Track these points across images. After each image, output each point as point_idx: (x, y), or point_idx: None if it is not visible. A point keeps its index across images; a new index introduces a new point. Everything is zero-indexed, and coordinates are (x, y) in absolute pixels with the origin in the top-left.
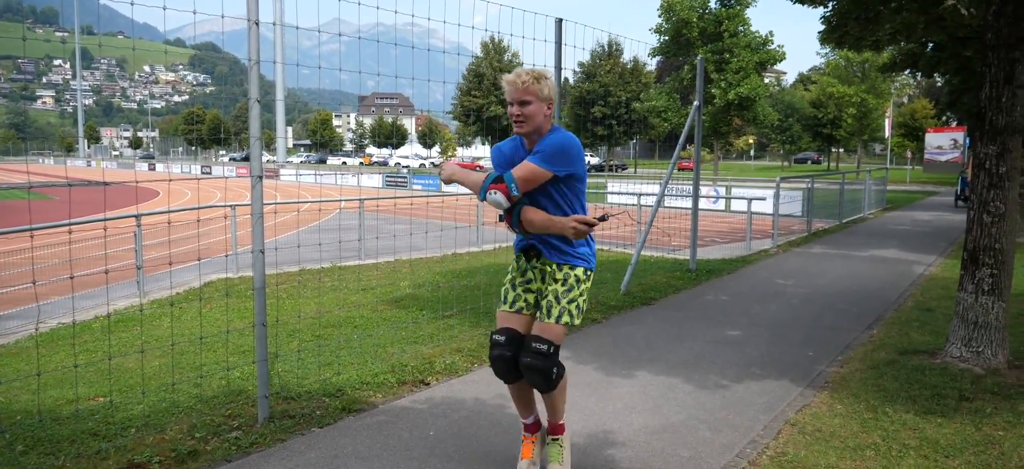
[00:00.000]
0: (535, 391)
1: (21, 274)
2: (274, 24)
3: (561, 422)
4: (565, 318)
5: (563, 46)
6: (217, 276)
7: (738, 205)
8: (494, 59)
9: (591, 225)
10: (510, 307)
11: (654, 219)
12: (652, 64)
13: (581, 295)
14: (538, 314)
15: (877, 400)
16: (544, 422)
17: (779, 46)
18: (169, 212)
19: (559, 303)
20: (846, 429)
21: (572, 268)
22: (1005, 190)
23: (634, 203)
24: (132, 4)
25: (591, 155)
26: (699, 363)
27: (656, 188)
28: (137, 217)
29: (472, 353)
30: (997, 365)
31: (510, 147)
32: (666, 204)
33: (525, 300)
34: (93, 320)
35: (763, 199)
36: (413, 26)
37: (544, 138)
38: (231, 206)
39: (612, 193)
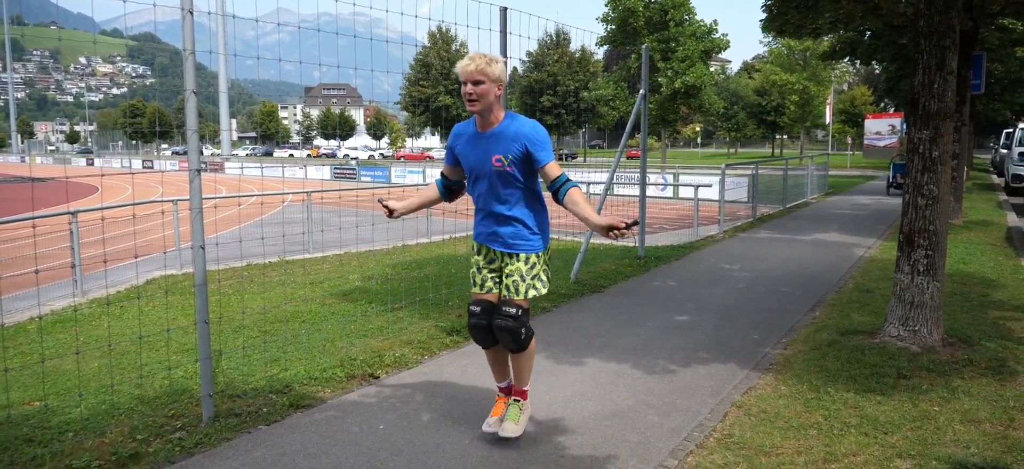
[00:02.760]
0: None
1: None
2: (209, 13)
3: (525, 388)
4: (531, 292)
5: (509, 35)
6: (159, 273)
7: (685, 192)
8: (441, 49)
9: (627, 230)
10: (481, 289)
11: (603, 207)
12: (599, 53)
13: (543, 270)
14: (505, 293)
15: (820, 380)
16: None
17: (724, 35)
18: (104, 208)
19: (524, 280)
20: (790, 409)
21: (528, 252)
22: (938, 173)
23: (584, 192)
24: None
25: None
26: (648, 349)
27: (605, 176)
28: (74, 214)
29: (422, 345)
30: (932, 343)
31: (463, 128)
32: (615, 192)
33: (494, 279)
34: (28, 321)
35: (709, 186)
36: (358, 16)
37: (514, 126)
38: (172, 201)
39: None
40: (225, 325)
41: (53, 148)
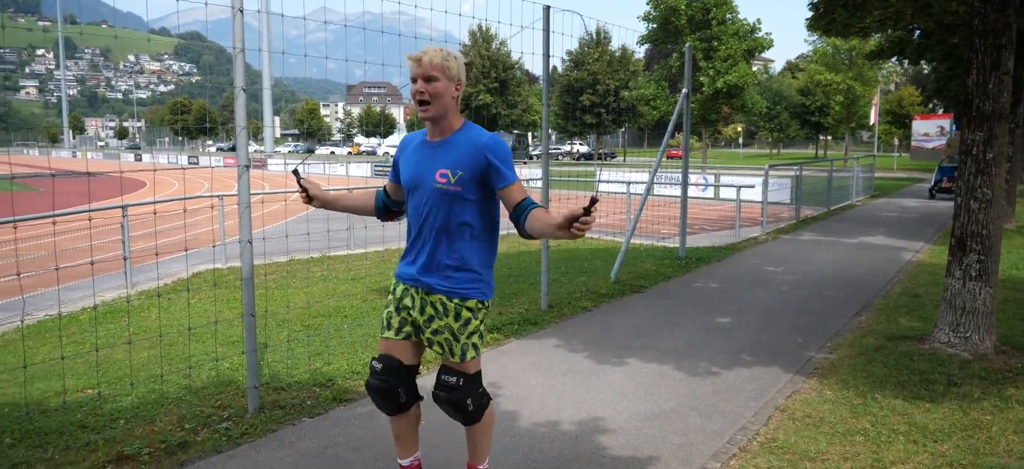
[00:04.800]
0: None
1: (5, 266)
2: (259, 12)
3: (482, 467)
4: (469, 353)
5: (551, 33)
6: (205, 267)
7: (727, 193)
8: (482, 48)
9: (587, 216)
10: (396, 334)
11: (644, 207)
12: (640, 52)
13: (479, 323)
14: (442, 355)
15: (866, 386)
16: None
17: (767, 34)
18: (156, 203)
19: (458, 341)
20: (835, 415)
21: (462, 301)
22: (992, 176)
23: (623, 192)
24: None
25: (581, 143)
26: (689, 350)
27: (645, 176)
28: (124, 208)
29: None
30: (984, 350)
31: (412, 137)
32: (655, 192)
33: (412, 328)
34: (80, 312)
35: (752, 187)
36: (401, 14)
37: (472, 136)
38: (218, 196)
39: (602, 181)
40: (270, 319)
41: (103, 144)
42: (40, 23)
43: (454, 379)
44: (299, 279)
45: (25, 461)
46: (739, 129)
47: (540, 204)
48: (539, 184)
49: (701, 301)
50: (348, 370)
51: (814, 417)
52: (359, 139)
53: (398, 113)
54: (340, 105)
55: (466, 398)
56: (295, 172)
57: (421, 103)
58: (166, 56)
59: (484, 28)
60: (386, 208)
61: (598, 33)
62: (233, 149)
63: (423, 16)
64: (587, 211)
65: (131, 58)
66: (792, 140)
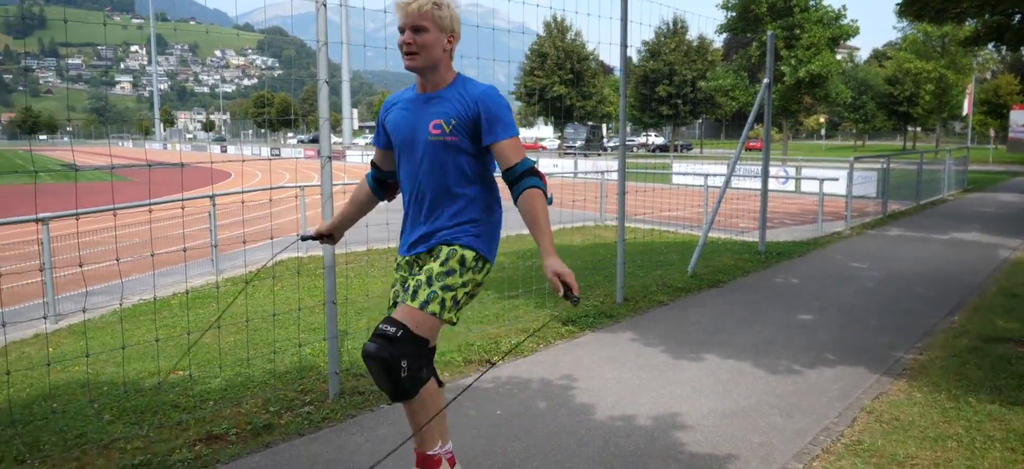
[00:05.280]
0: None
1: (104, 252)
2: (341, 5)
3: (432, 453)
4: (433, 306)
5: (629, 23)
6: (288, 255)
7: (809, 186)
8: (557, 38)
9: (570, 290)
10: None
11: (722, 200)
12: (719, 41)
13: (463, 284)
14: (402, 296)
15: (959, 389)
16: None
17: (853, 21)
18: (242, 193)
19: (430, 286)
20: (926, 419)
21: (461, 247)
22: None
23: (701, 184)
24: None
25: (656, 135)
26: (770, 347)
27: (723, 169)
28: (212, 198)
29: (537, 334)
30: None
31: (398, 96)
32: (734, 185)
33: None
34: (172, 297)
35: (835, 180)
36: (476, 6)
37: (466, 88)
38: (301, 186)
39: (677, 174)
40: (350, 306)
41: (191, 136)
42: (134, 21)
43: (393, 330)
44: (377, 268)
45: (123, 437)
46: (822, 120)
47: (540, 181)
48: (614, 176)
49: (782, 297)
50: None
51: (903, 420)
52: None
53: None
54: None
55: (400, 359)
56: (301, 238)
57: (409, 54)
58: (250, 51)
59: (559, 19)
60: (380, 183)
61: (675, 22)
62: (314, 141)
63: (498, 7)
64: (567, 294)
65: (217, 53)
66: (878, 131)
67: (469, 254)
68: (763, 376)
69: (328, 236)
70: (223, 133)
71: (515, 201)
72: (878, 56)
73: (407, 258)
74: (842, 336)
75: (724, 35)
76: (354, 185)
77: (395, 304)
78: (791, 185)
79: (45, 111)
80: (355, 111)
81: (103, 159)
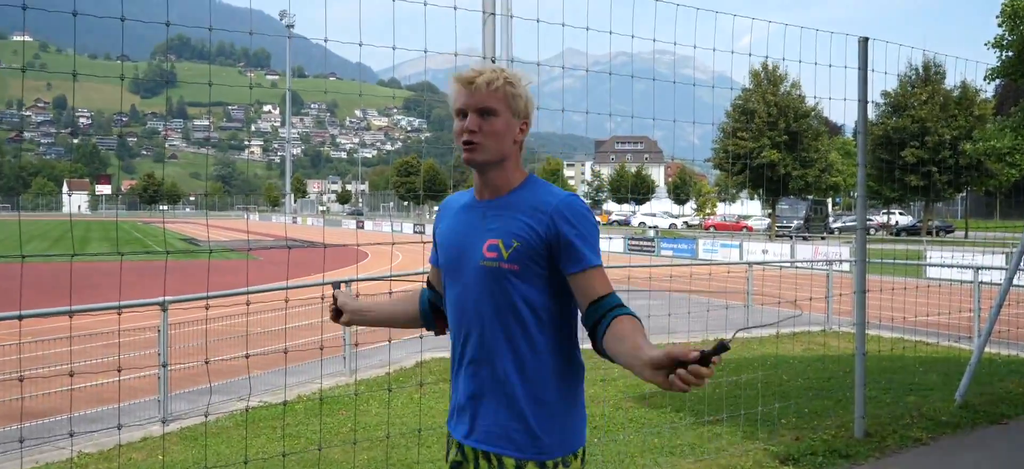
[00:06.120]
0: None
1: (220, 344)
2: (510, 61)
3: None
4: None
5: (871, 72)
6: (433, 355)
7: None
8: (767, 91)
9: (706, 367)
10: None
11: (1003, 303)
12: (989, 90)
13: None
14: None
15: None
16: None
17: None
18: (391, 278)
19: None
20: None
21: (526, 462)
22: None
23: (969, 280)
24: (360, 46)
25: (901, 213)
26: None
27: (1001, 260)
28: (347, 283)
29: None
30: None
31: (456, 199)
32: (1018, 282)
33: None
34: (296, 400)
35: None
36: (661, 54)
37: (538, 195)
38: None
39: (934, 265)
40: None
41: (324, 208)
42: (268, 77)
43: None
44: None
45: None
46: None
47: (630, 310)
48: (847, 266)
49: None
50: None
51: None
52: (609, 205)
53: (658, 174)
54: (587, 165)
55: None
56: (334, 286)
57: (468, 145)
58: (394, 110)
59: (770, 68)
60: (435, 309)
61: (926, 67)
62: None
63: (687, 54)
64: (706, 358)
65: (358, 113)
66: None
67: (550, 465)
68: None
69: (338, 310)
70: (361, 205)
71: (598, 342)
72: None
73: (457, 445)
74: None
75: (997, 82)
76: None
77: None
78: None
79: (168, 178)
80: None
81: (227, 234)
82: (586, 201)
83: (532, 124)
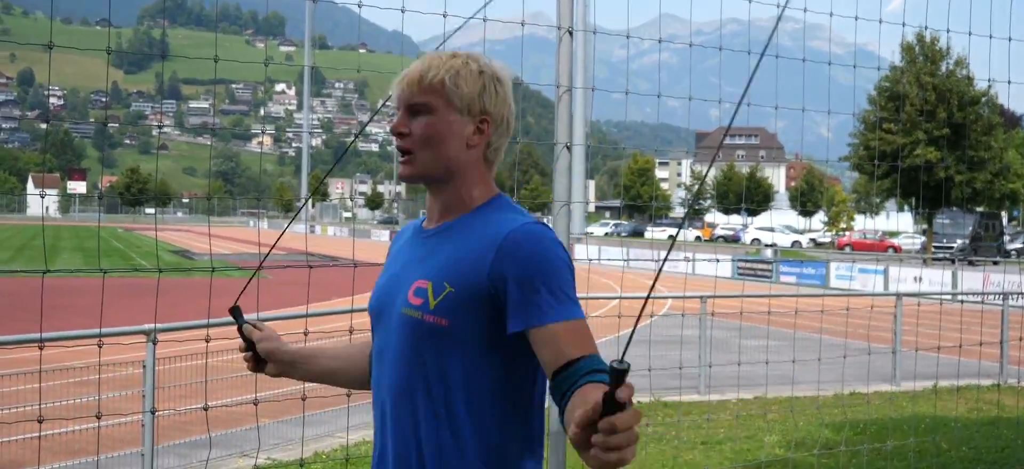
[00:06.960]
0: None
1: (216, 385)
2: (592, 31)
3: None
4: None
5: None
6: None
7: None
8: (922, 70)
9: (611, 413)
10: None
11: None
12: None
13: None
14: None
15: None
16: None
17: None
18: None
19: None
20: None
21: None
22: None
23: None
24: (403, 13)
25: None
26: None
27: None
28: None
29: None
30: None
31: (406, 230)
32: None
33: None
34: (312, 457)
35: None
36: (785, 22)
37: (495, 223)
38: None
39: None
40: None
41: (349, 215)
42: (282, 48)
43: None
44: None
45: None
46: None
47: (604, 373)
48: (1020, 301)
49: None
50: None
51: None
52: (713, 217)
53: (777, 175)
54: (686, 163)
55: None
56: (234, 314)
57: (402, 154)
58: None
59: (927, 40)
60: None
61: None
62: None
63: (821, 21)
64: (609, 400)
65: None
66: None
67: None
68: None
69: (257, 356)
70: (395, 211)
71: (563, 410)
72: None
73: None
74: None
75: None
76: (599, 300)
77: None
78: None
79: (155, 173)
80: (591, 184)
81: (228, 245)
82: (680, 210)
83: (506, 125)
